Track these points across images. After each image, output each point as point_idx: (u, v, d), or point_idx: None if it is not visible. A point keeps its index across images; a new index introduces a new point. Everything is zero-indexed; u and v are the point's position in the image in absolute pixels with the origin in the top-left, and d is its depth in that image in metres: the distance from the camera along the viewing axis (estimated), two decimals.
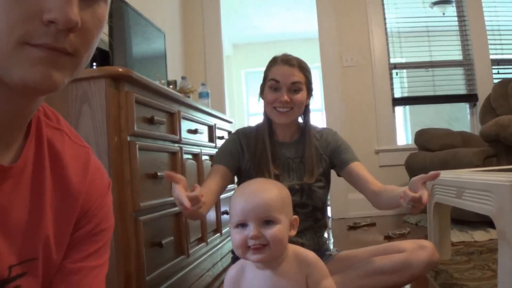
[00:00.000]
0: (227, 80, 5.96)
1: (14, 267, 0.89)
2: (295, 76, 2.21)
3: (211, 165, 2.24)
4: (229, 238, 3.62)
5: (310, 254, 1.51)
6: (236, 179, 2.40)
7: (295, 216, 1.53)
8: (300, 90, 2.23)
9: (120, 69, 2.07)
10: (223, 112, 5.22)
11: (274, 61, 2.30)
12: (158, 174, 2.31)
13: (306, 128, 2.34)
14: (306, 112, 2.36)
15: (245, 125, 2.42)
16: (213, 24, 5.75)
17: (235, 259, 2.29)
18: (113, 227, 1.14)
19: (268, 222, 1.42)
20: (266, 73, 2.32)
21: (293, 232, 1.52)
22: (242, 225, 1.44)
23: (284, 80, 2.21)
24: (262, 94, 2.35)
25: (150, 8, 4.04)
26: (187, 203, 1.51)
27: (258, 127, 2.36)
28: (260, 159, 2.24)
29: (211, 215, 3.28)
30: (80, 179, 1.02)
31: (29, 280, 0.93)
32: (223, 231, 3.57)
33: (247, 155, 2.26)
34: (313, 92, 2.36)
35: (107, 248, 1.11)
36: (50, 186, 0.96)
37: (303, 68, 2.26)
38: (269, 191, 1.47)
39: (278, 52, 2.32)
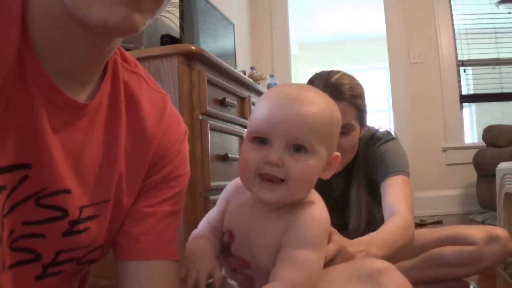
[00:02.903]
0: (293, 78, 5.93)
1: (86, 208, 0.89)
2: (346, 116, 1.72)
3: None
4: None
5: (309, 211, 1.03)
6: None
7: (337, 154, 1.08)
8: (352, 130, 1.79)
9: (193, 47, 2.08)
10: None
11: None
12: (229, 156, 2.29)
13: (354, 161, 1.93)
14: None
15: None
16: (281, 22, 5.72)
17: None
18: (189, 175, 1.11)
19: (299, 148, 0.97)
20: None
21: (328, 174, 1.08)
22: (261, 140, 0.99)
23: None
24: None
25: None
26: None
27: None
28: None
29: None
30: (155, 123, 1.01)
31: (99, 222, 0.93)
32: None
33: None
34: (367, 118, 1.90)
35: (182, 197, 1.09)
36: (125, 127, 0.95)
37: (355, 98, 1.79)
38: (314, 105, 0.99)
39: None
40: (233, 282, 1.13)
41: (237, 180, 1.13)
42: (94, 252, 0.95)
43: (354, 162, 1.94)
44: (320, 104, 1.01)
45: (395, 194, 1.73)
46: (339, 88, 1.75)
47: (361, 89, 1.84)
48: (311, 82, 1.84)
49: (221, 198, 1.19)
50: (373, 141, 1.94)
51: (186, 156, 1.11)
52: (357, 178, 1.94)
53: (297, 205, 1.03)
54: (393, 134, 1.99)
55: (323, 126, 0.99)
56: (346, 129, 1.74)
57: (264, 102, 1.03)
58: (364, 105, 1.85)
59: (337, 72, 1.84)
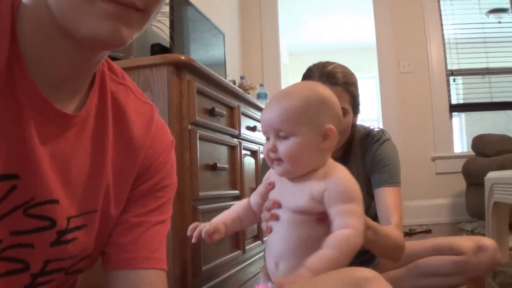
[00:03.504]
0: (283, 88, 5.95)
1: (73, 219, 0.90)
2: (340, 100, 1.62)
3: None
4: None
5: (345, 176, 1.27)
6: None
7: (329, 126, 1.27)
8: (346, 114, 1.81)
9: (182, 57, 2.09)
10: None
11: (309, 77, 1.91)
12: (218, 165, 2.29)
13: (351, 147, 1.99)
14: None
15: None
16: (271, 32, 5.75)
17: None
18: (176, 185, 1.14)
19: (284, 135, 1.25)
20: None
21: (327, 144, 1.28)
22: (267, 137, 1.30)
23: None
24: None
25: (209, 8, 4.06)
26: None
27: None
28: None
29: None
30: (142, 134, 1.03)
31: (87, 232, 0.94)
32: None
33: None
34: (360, 107, 1.97)
35: (169, 206, 1.11)
36: (112, 138, 0.96)
37: (348, 85, 1.86)
38: (288, 99, 1.27)
39: (334, 61, 1.97)
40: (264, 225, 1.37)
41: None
42: (82, 261, 0.96)
43: (350, 151, 2.00)
44: (295, 96, 1.27)
45: (391, 206, 1.83)
46: (333, 75, 1.84)
47: (354, 78, 1.92)
48: (309, 70, 1.93)
49: (265, 178, 1.44)
50: (370, 138, 2.00)
51: (173, 166, 1.13)
52: (355, 166, 1.97)
53: (325, 170, 1.28)
54: (387, 134, 2.04)
55: (297, 113, 1.25)
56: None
57: (264, 108, 1.35)
58: (357, 93, 1.92)
59: (333, 62, 1.93)
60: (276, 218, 1.30)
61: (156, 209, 1.06)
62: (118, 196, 0.99)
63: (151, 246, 1.03)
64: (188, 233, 1.31)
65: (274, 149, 1.26)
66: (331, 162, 1.32)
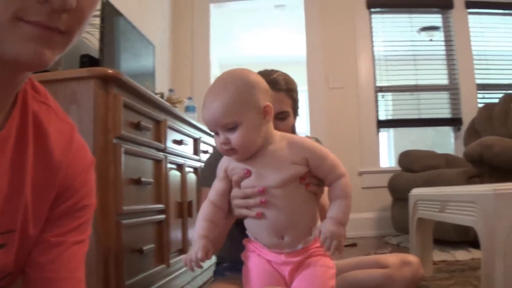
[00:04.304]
0: None
1: None
2: (283, 104, 1.97)
3: (200, 186, 2.10)
4: None
5: (305, 139, 1.52)
6: None
7: (265, 103, 1.45)
8: (288, 117, 2.00)
9: (109, 71, 2.07)
10: None
11: None
12: (142, 179, 2.29)
13: None
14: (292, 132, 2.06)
15: None
16: (202, 44, 5.79)
17: (216, 274, 2.24)
18: (95, 205, 1.15)
19: (230, 128, 1.41)
20: None
21: (269, 119, 1.47)
22: (216, 132, 1.45)
23: None
24: None
25: (140, 19, 4.05)
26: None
27: None
28: None
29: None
30: (62, 154, 1.03)
31: (6, 252, 0.93)
32: None
33: None
34: (299, 110, 2.13)
35: (88, 226, 1.12)
36: (32, 158, 0.96)
37: (290, 90, 2.01)
38: (222, 95, 1.41)
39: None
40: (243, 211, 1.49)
41: (225, 158, 1.56)
42: (3, 280, 0.96)
43: None
44: (228, 89, 1.41)
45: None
46: (277, 81, 1.98)
47: (295, 84, 2.08)
48: None
49: (219, 171, 1.56)
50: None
51: (93, 186, 1.14)
52: None
53: (279, 139, 1.48)
54: (321, 142, 2.11)
55: (235, 104, 1.39)
56: (283, 115, 1.97)
57: (202, 109, 1.46)
58: (297, 98, 2.08)
59: (277, 71, 2.08)
60: (265, 204, 1.43)
61: (75, 229, 1.06)
62: (37, 216, 0.99)
63: (70, 266, 1.03)
64: (190, 269, 1.43)
65: (226, 141, 1.41)
66: (277, 132, 1.51)
